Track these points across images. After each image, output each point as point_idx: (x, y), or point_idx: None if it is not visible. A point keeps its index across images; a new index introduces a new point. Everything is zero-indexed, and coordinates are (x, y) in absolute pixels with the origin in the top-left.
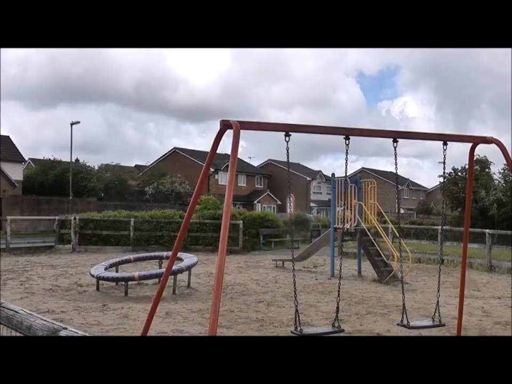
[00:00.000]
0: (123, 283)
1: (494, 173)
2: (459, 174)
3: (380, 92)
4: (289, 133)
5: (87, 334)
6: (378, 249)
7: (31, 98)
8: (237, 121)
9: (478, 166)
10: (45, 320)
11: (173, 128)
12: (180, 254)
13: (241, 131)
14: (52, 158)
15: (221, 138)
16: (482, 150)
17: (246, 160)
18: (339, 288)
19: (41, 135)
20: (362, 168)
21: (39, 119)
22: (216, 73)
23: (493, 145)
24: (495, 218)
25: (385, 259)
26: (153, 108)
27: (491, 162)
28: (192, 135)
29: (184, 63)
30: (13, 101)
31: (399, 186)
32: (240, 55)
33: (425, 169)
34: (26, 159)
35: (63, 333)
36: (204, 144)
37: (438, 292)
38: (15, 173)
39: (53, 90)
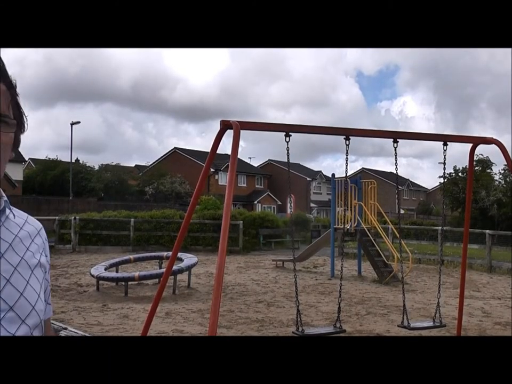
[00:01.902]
0: (123, 283)
1: (495, 174)
2: (459, 174)
3: (379, 92)
4: (290, 133)
5: (87, 334)
6: (379, 249)
7: (29, 98)
8: (237, 121)
9: (480, 166)
10: None
11: (172, 128)
12: (180, 254)
13: (241, 131)
14: (52, 158)
15: (221, 139)
16: (483, 150)
17: (246, 160)
18: (340, 288)
19: (40, 135)
20: (363, 168)
21: (37, 118)
22: (215, 72)
23: (493, 146)
24: (495, 219)
25: (385, 259)
26: (152, 108)
27: (493, 163)
28: (191, 134)
29: (182, 63)
30: None
31: (399, 187)
32: (239, 54)
33: (425, 169)
34: (26, 159)
35: (63, 333)
36: (203, 144)
37: (439, 292)
38: (15, 172)
39: (50, 89)
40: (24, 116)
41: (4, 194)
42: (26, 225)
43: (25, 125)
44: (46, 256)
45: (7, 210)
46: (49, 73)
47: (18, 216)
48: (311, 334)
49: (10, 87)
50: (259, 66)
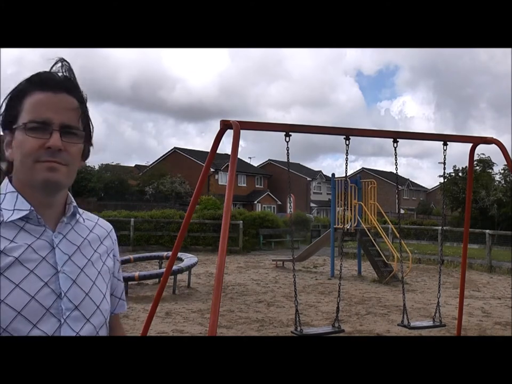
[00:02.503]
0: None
1: (496, 174)
2: (460, 174)
3: (379, 92)
4: (290, 133)
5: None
6: (378, 249)
7: None
8: (237, 121)
9: (481, 166)
10: None
11: (171, 128)
12: (180, 254)
13: (241, 131)
14: None
15: (221, 139)
16: (484, 150)
17: (246, 160)
18: (339, 288)
19: None
20: (362, 168)
21: None
22: (214, 72)
23: (493, 146)
24: (495, 219)
25: (385, 259)
26: (151, 108)
27: (494, 163)
28: (190, 134)
29: (181, 62)
30: None
31: (399, 187)
32: (238, 54)
33: (424, 169)
34: None
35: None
36: (203, 144)
37: (439, 292)
38: None
39: None
40: (92, 128)
41: (73, 200)
42: (96, 228)
43: (92, 137)
44: (114, 256)
45: (77, 215)
46: None
47: (88, 219)
48: (309, 334)
49: (82, 101)
50: (258, 66)
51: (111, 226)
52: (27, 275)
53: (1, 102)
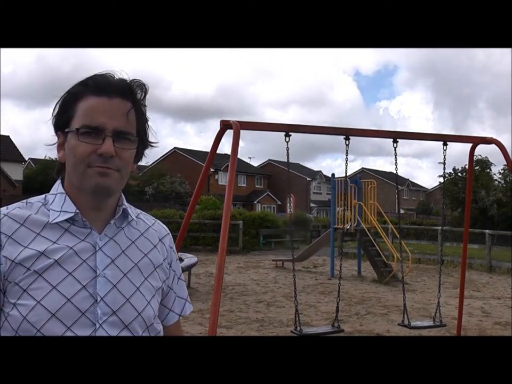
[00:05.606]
0: None
1: (495, 174)
2: (459, 174)
3: (378, 91)
4: (289, 133)
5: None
6: (378, 249)
7: (24, 98)
8: (237, 121)
9: (479, 167)
10: None
11: (169, 128)
12: (179, 254)
13: (240, 131)
14: (52, 158)
15: (221, 139)
16: (482, 151)
17: (245, 160)
18: (339, 288)
19: (37, 135)
20: (362, 168)
21: (34, 118)
22: (211, 71)
23: (492, 145)
24: (495, 219)
25: (385, 259)
26: (148, 107)
27: (492, 163)
28: (188, 134)
29: (178, 61)
30: (7, 100)
31: (399, 187)
32: (235, 52)
33: (424, 169)
34: (26, 159)
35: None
36: (201, 143)
37: (439, 292)
38: (15, 172)
39: (43, 89)
40: (147, 133)
41: (125, 203)
42: (148, 232)
43: (148, 141)
44: (169, 264)
45: (129, 217)
46: (40, 72)
47: (144, 221)
48: (309, 334)
49: (137, 105)
50: (255, 65)
51: (166, 232)
52: (65, 277)
53: (54, 104)
